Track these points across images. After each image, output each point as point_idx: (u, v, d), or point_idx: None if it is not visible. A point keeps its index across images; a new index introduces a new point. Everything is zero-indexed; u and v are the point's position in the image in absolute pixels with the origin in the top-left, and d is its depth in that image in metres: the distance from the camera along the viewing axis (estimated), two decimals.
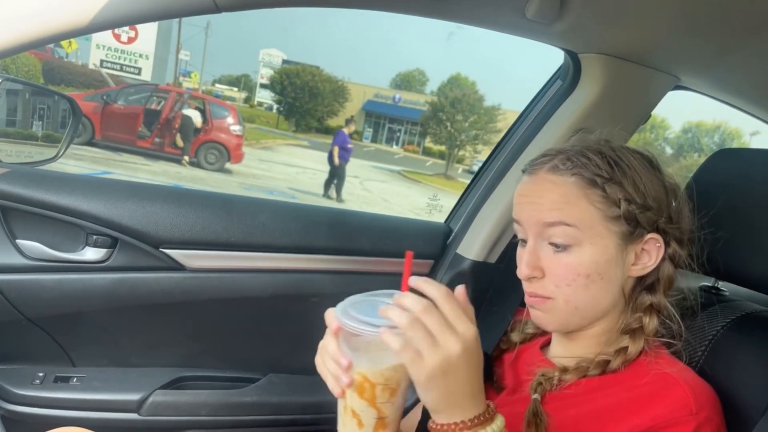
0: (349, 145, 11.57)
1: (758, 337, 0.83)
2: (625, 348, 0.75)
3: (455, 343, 0.57)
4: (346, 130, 11.73)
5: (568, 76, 1.26)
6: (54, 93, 1.92)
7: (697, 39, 1.02)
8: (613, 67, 1.17)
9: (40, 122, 1.52)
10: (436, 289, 0.60)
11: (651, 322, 0.76)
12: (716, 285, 0.98)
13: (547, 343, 0.88)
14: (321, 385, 0.68)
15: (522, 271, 0.77)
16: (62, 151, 1.31)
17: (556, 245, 0.75)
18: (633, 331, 0.76)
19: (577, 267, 0.74)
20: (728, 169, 0.95)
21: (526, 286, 0.78)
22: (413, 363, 0.58)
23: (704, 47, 1.06)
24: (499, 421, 0.62)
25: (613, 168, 0.75)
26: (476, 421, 0.60)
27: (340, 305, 0.65)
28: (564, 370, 0.76)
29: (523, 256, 0.78)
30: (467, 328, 0.59)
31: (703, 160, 1.00)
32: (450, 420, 0.60)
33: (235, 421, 1.25)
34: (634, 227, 0.75)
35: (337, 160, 11.22)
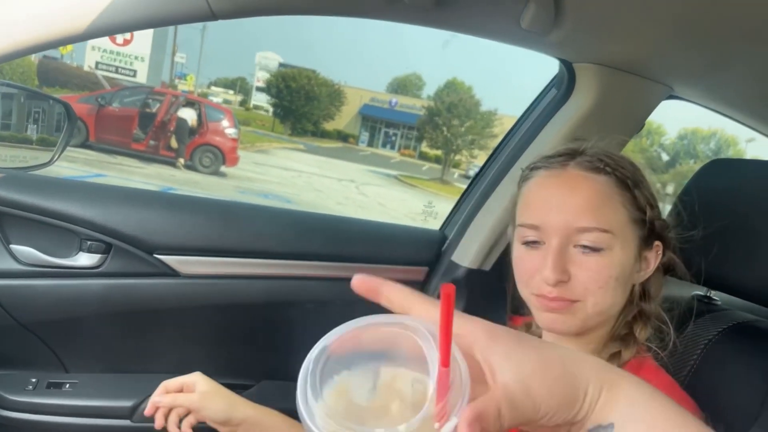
0: None
1: (750, 346, 0.83)
2: (618, 353, 0.74)
3: None
4: None
5: (563, 85, 1.26)
6: (49, 97, 1.91)
7: (691, 50, 1.03)
8: (607, 77, 1.17)
9: (35, 126, 1.52)
10: None
11: (644, 330, 0.75)
12: (709, 294, 0.99)
13: None
14: None
15: (549, 276, 0.71)
16: (57, 155, 1.31)
17: (588, 248, 0.70)
18: (624, 337, 0.75)
19: (609, 268, 0.70)
20: (721, 179, 0.96)
21: (550, 291, 0.72)
22: None
23: (698, 58, 1.07)
24: None
25: (635, 173, 0.75)
26: None
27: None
28: None
29: (546, 259, 0.71)
30: None
31: (698, 166, 1.01)
32: None
33: None
34: (649, 233, 0.74)
35: None
